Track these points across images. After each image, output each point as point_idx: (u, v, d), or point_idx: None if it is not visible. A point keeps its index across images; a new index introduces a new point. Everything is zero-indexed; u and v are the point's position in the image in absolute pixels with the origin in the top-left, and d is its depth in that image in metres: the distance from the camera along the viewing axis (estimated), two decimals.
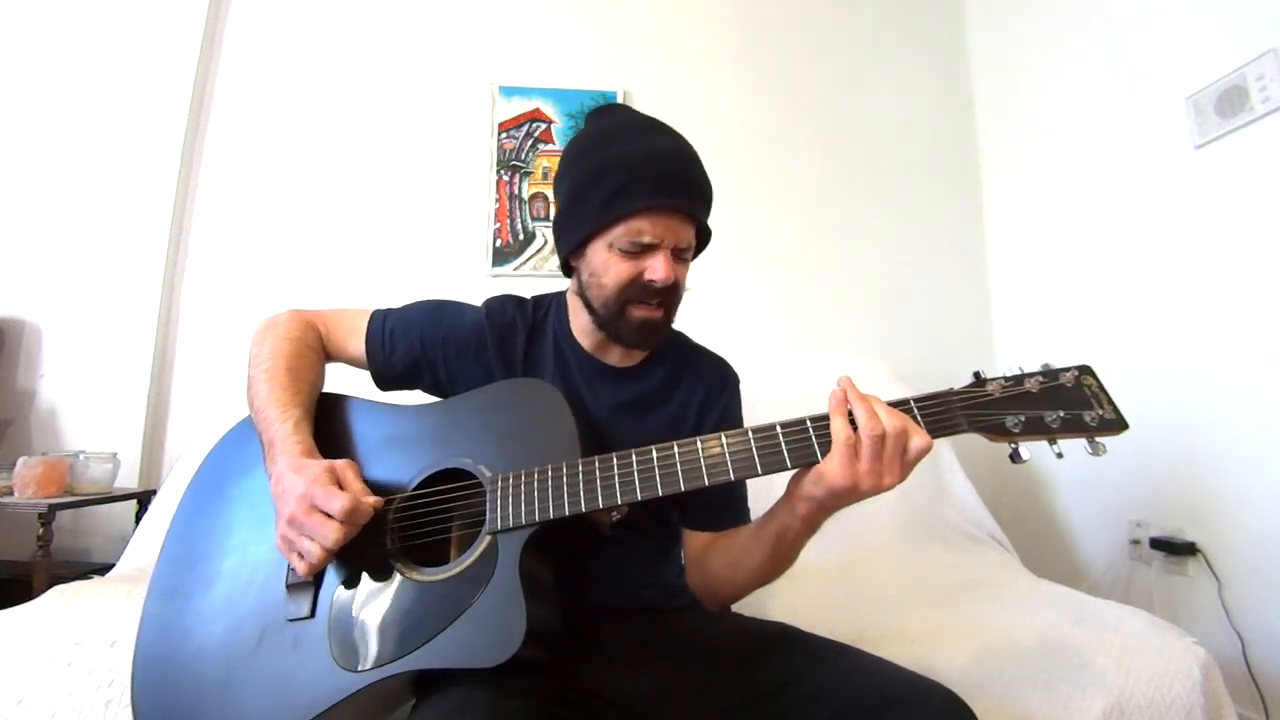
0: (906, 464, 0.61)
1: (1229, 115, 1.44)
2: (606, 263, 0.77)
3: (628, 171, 0.74)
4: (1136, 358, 1.66)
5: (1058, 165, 1.99)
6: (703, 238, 0.83)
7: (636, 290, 0.76)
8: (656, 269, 0.75)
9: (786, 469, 0.64)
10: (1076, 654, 0.89)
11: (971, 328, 2.25)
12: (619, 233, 0.75)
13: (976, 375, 0.65)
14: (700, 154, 0.80)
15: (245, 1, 2.16)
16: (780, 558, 0.72)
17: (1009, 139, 2.23)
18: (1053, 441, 0.63)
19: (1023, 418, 0.62)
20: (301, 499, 0.65)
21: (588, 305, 0.81)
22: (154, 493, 1.65)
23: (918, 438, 0.60)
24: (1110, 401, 0.62)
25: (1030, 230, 2.12)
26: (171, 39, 2.06)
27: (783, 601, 1.06)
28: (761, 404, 1.50)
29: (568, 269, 0.86)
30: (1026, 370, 0.64)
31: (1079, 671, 0.86)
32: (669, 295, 0.78)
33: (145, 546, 1.39)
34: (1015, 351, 2.16)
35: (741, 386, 0.93)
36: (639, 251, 0.75)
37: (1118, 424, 0.61)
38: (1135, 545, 1.64)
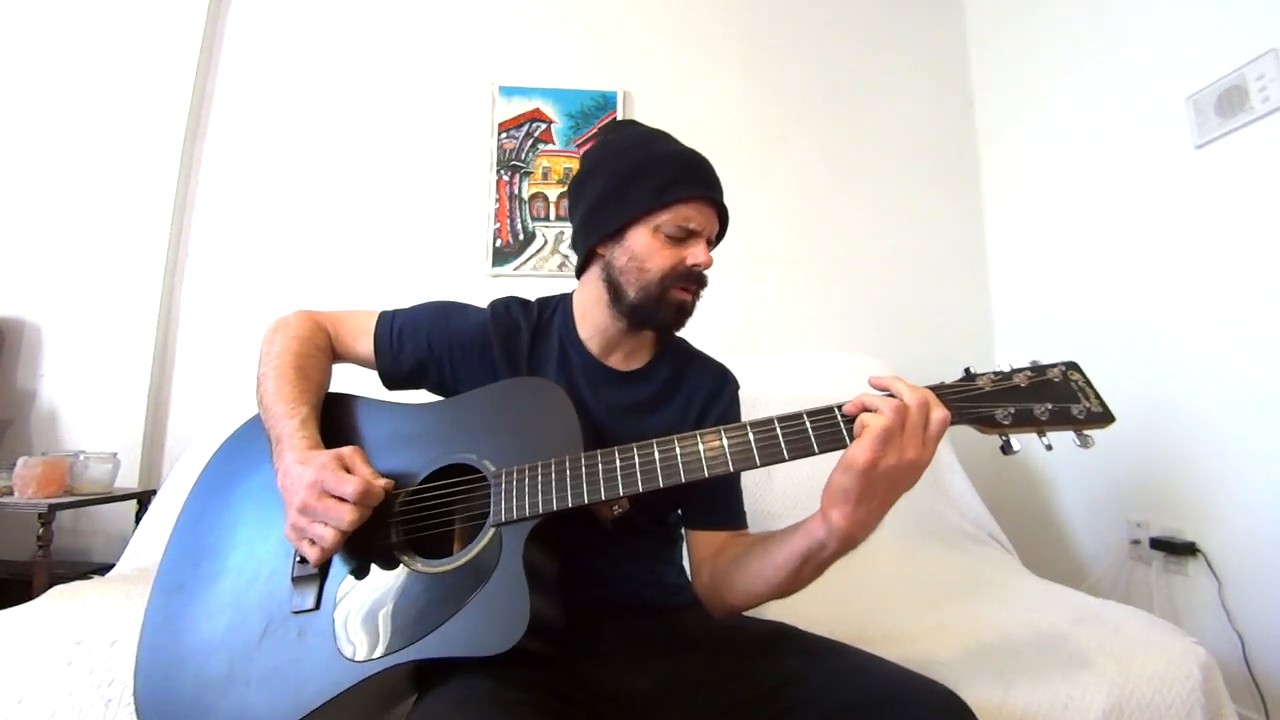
0: (929, 438, 0.61)
1: (1229, 115, 1.44)
2: (651, 247, 0.80)
3: (675, 165, 0.81)
4: (1136, 358, 1.66)
5: (1058, 165, 1.99)
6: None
7: (679, 275, 0.81)
8: (699, 255, 0.81)
9: (784, 459, 0.64)
10: (1076, 654, 0.89)
11: (971, 327, 2.25)
12: (667, 218, 0.80)
13: (967, 371, 0.67)
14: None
15: (245, 2, 2.16)
16: (802, 574, 0.69)
17: (1009, 139, 2.23)
18: (1042, 434, 0.64)
19: (1012, 410, 0.64)
20: (312, 486, 0.66)
21: (616, 292, 0.82)
22: (154, 493, 1.65)
23: (938, 409, 0.62)
24: (1097, 395, 0.64)
25: (1030, 230, 2.12)
26: (171, 39, 2.06)
27: (782, 601, 1.06)
28: (761, 403, 1.51)
29: (585, 262, 0.88)
30: (1016, 366, 0.67)
31: (1079, 671, 0.86)
32: (702, 282, 0.84)
33: (145, 546, 1.39)
34: (1015, 351, 2.16)
35: (742, 386, 0.94)
36: (684, 238, 0.81)
37: (1104, 417, 0.64)
38: (1135, 545, 1.64)
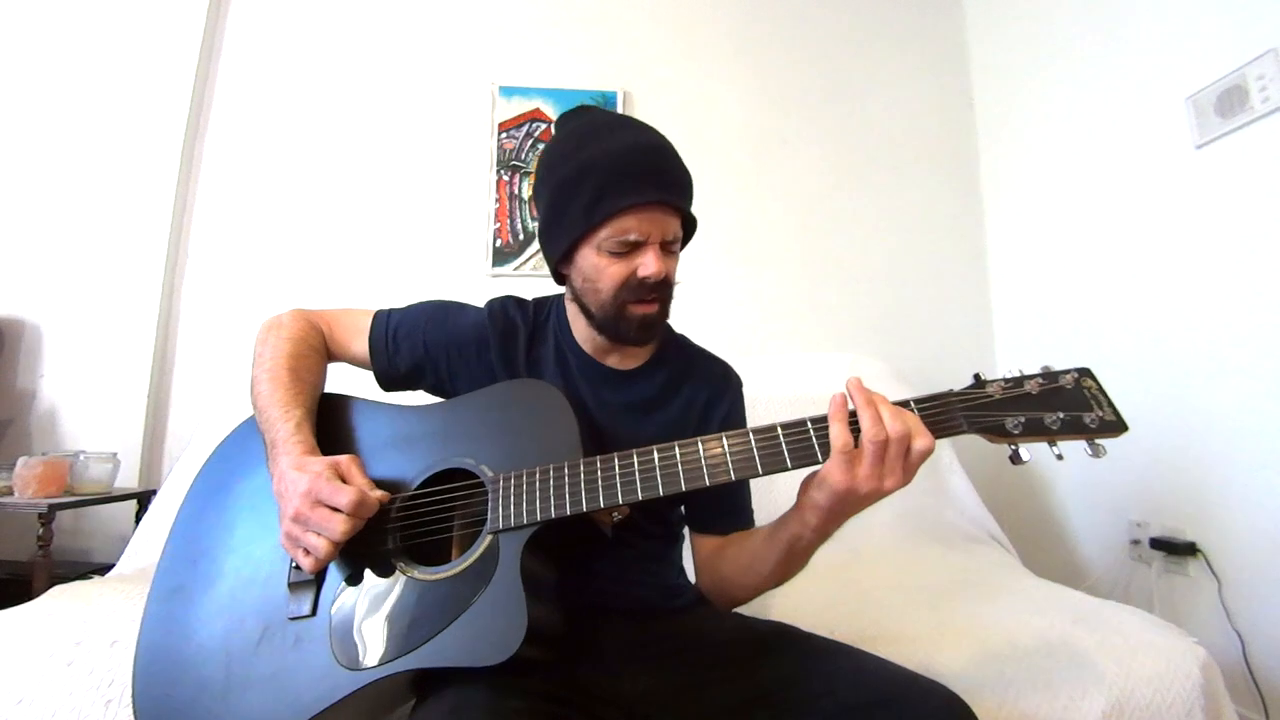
0: (909, 466, 0.60)
1: (1229, 115, 1.44)
2: (598, 266, 0.77)
3: (606, 172, 0.74)
4: (1136, 358, 1.66)
5: (1058, 165, 1.99)
6: (689, 227, 0.82)
7: (632, 289, 0.76)
8: (648, 265, 0.75)
9: (787, 469, 0.64)
10: (1076, 654, 0.89)
11: (971, 328, 2.25)
12: (605, 235, 0.75)
13: (976, 377, 0.65)
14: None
15: (245, 2, 2.16)
16: (792, 564, 0.73)
17: (1009, 139, 2.23)
18: (1052, 443, 0.63)
19: (1023, 419, 0.62)
20: (306, 495, 0.65)
21: (584, 310, 0.81)
22: (154, 493, 1.65)
23: (921, 440, 0.60)
24: (1110, 403, 0.62)
25: (1030, 230, 2.12)
26: (171, 39, 2.06)
27: (783, 601, 1.06)
28: (762, 403, 1.51)
29: (559, 277, 0.86)
30: (1026, 372, 0.64)
31: (1079, 671, 0.86)
32: (663, 289, 0.79)
33: (145, 546, 1.39)
34: (1015, 350, 2.16)
35: (743, 388, 0.93)
36: (629, 250, 0.75)
37: (1118, 426, 0.61)
38: (1135, 545, 1.64)
